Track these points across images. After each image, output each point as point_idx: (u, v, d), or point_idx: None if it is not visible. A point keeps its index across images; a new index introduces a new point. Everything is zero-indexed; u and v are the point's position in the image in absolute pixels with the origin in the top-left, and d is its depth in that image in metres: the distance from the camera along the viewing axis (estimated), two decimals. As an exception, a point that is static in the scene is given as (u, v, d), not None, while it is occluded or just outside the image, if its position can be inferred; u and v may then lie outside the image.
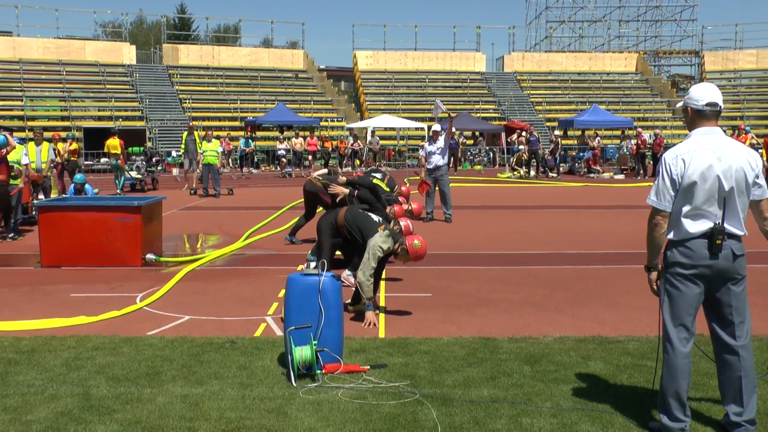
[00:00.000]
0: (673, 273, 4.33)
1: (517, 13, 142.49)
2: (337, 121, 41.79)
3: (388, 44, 49.63)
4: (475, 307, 7.68)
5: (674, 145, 4.71)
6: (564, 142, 33.60)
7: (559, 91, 48.02)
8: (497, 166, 35.04)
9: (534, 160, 29.78)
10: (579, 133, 35.83)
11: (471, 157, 35.34)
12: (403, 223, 9.34)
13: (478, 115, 41.46)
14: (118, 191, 20.53)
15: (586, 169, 30.26)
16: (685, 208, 4.26)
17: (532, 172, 29.35)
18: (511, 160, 31.78)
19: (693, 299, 4.32)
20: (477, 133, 37.92)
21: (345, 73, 56.42)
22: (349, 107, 44.99)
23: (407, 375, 5.44)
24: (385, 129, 37.44)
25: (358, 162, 33.30)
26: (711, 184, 4.20)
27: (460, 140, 34.11)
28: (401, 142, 38.76)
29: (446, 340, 6.33)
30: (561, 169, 30.47)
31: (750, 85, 50.57)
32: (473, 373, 5.49)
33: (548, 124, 41.38)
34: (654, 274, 4.48)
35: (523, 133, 30.95)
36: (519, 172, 29.33)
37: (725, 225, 4.22)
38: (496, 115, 43.60)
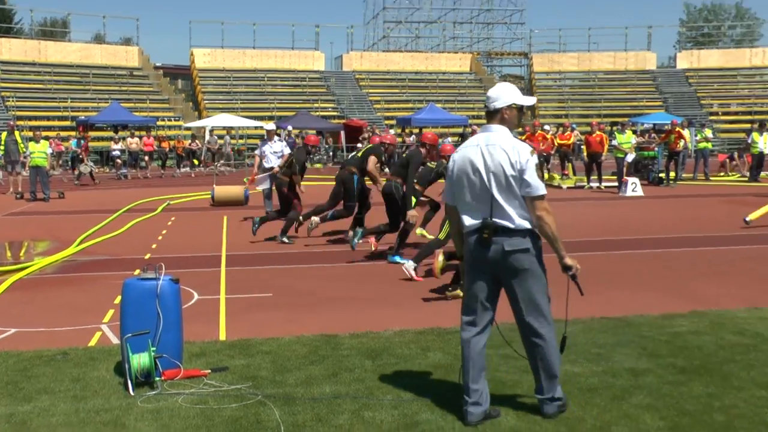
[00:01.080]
0: (465, 263, 4.63)
1: (355, 12, 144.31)
2: (175, 120, 40.63)
3: (226, 42, 48.86)
4: (316, 305, 7.73)
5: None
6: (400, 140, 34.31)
7: (397, 90, 48.99)
8: (332, 164, 35.29)
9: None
10: (417, 131, 36.72)
11: (312, 156, 35.37)
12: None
13: (318, 113, 41.60)
14: None
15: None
16: (461, 204, 4.54)
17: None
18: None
19: (478, 289, 4.53)
20: (289, 131, 38.05)
21: (182, 71, 54.90)
22: (186, 106, 43.90)
23: (249, 376, 5.40)
24: (224, 128, 36.81)
25: (196, 162, 32.58)
26: (475, 180, 4.42)
27: (297, 139, 34.13)
28: (240, 141, 38.22)
29: (288, 340, 6.33)
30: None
31: (573, 85, 53.82)
32: (315, 370, 5.52)
33: (386, 122, 42.15)
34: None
35: (386, 133, 31.50)
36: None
37: (494, 219, 4.37)
38: (335, 113, 43.88)
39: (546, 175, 23.40)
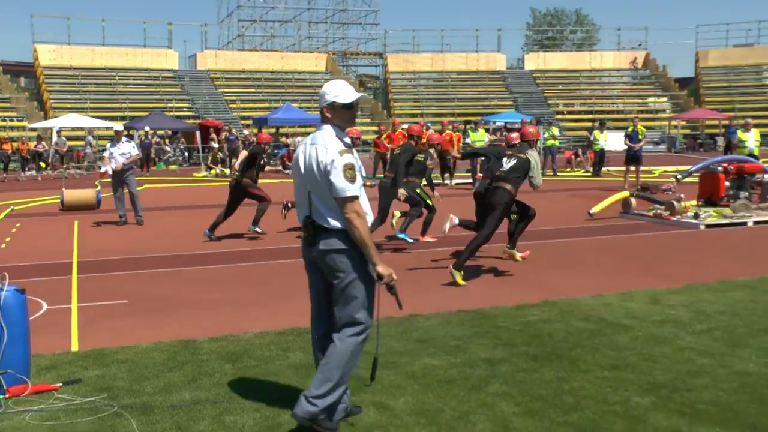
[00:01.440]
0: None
1: (209, 10, 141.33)
2: (18, 120, 38.42)
3: (73, 38, 46.65)
4: (174, 310, 7.53)
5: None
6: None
7: (253, 90, 48.50)
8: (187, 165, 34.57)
9: (234, 159, 29.87)
10: (274, 130, 36.50)
11: (166, 157, 34.48)
12: None
13: (172, 113, 40.54)
14: None
15: (281, 166, 30.90)
16: (296, 201, 4.52)
17: (228, 171, 29.42)
18: (208, 158, 31.52)
19: (314, 289, 4.50)
20: (171, 132, 37.13)
21: (25, 68, 52.15)
22: (30, 105, 41.59)
23: (104, 387, 5.19)
24: (73, 129, 35.21)
25: (43, 164, 30.97)
26: (298, 176, 4.40)
27: (153, 140, 33.26)
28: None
29: (145, 347, 6.13)
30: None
31: (427, 85, 55.06)
32: (174, 377, 5.38)
33: (243, 122, 41.65)
34: None
35: (248, 132, 31.16)
36: (215, 171, 29.20)
37: (313, 218, 4.30)
38: (190, 113, 42.92)
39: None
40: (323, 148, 4.23)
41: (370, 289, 4.35)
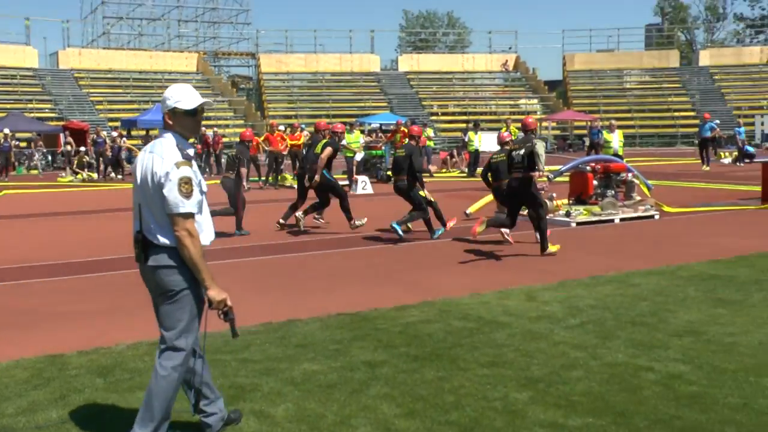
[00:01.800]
0: None
1: (71, 5, 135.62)
2: None
3: None
4: (38, 324, 7.11)
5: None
6: (131, 142, 32.95)
7: (121, 90, 46.97)
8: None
9: (102, 163, 28.74)
10: (144, 133, 35.41)
11: (26, 161, 32.80)
12: None
13: (33, 115, 38.62)
14: None
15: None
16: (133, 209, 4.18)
17: (95, 175, 28.32)
18: (74, 162, 30.16)
19: (155, 306, 4.17)
20: (33, 135, 35.32)
21: None
22: None
23: (-41, 410, 4.82)
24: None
25: None
26: (135, 187, 4.09)
27: (12, 143, 31.53)
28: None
29: (5, 365, 5.73)
30: (125, 170, 29.65)
31: (301, 86, 54.92)
32: (39, 395, 5.06)
33: (110, 123, 40.20)
34: None
35: (116, 135, 29.80)
36: (81, 176, 28.01)
37: (144, 233, 3.97)
38: (53, 115, 41.06)
39: (279, 176, 23.63)
40: (159, 158, 3.91)
41: (199, 313, 4.11)
